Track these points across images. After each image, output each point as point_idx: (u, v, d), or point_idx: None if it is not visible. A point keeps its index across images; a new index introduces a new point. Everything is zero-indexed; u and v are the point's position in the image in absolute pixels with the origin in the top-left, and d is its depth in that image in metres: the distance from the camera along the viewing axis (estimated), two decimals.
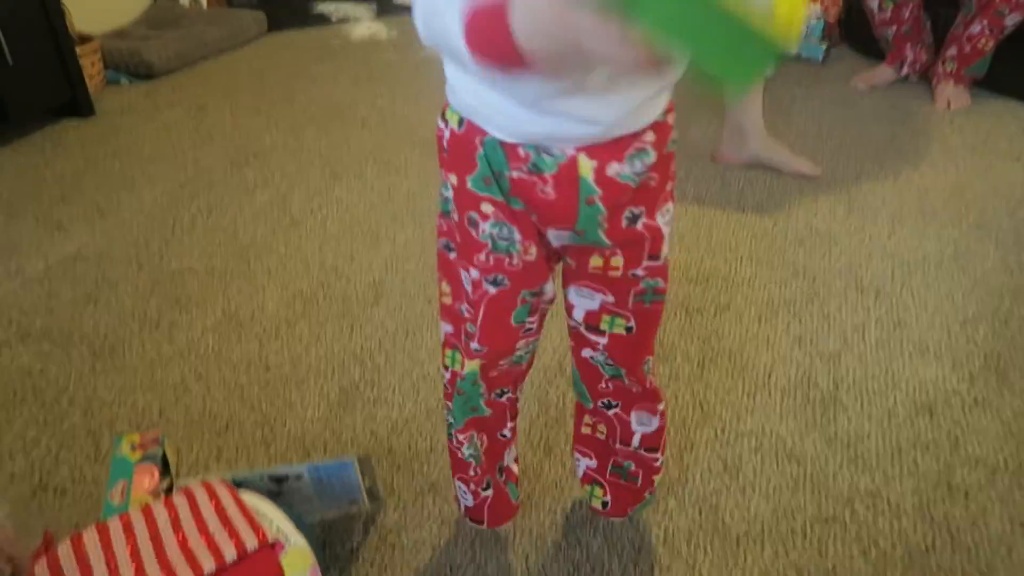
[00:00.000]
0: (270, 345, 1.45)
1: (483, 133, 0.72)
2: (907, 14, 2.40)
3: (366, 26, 3.27)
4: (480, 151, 0.73)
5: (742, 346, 1.41)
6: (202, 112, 2.47)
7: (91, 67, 2.60)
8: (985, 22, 2.21)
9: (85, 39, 2.65)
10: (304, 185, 2.01)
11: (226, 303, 1.58)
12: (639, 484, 1.00)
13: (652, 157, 0.72)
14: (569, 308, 0.87)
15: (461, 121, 0.74)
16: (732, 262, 1.64)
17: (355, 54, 2.96)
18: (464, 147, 0.74)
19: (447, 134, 0.77)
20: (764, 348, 1.40)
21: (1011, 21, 2.18)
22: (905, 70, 2.47)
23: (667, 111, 0.73)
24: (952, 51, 2.30)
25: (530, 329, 0.85)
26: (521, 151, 0.70)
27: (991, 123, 2.21)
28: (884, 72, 2.49)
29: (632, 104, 0.67)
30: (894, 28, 2.43)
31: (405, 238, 1.76)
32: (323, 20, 3.37)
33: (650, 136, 0.71)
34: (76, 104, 2.42)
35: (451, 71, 0.72)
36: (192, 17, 3.14)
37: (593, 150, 0.69)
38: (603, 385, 0.91)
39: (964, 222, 1.76)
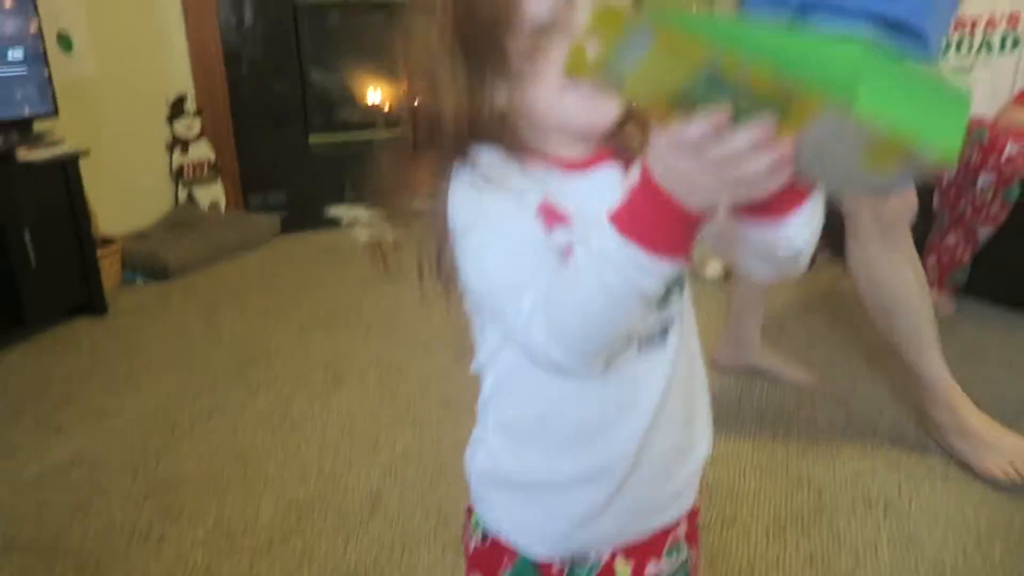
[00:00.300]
0: (261, 561, 1.40)
1: (513, 552, 0.70)
2: None
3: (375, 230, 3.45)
4: (509, 570, 0.71)
5: (752, 566, 1.36)
6: (212, 313, 2.55)
7: (109, 267, 2.71)
8: (960, 234, 2.34)
9: (108, 241, 2.79)
10: (306, 388, 2.03)
11: (219, 512, 1.54)
12: None
13: (685, 551, 0.73)
14: None
15: (485, 536, 0.72)
16: (735, 473, 1.62)
17: (363, 257, 3.09)
18: (490, 560, 0.73)
19: (472, 544, 0.75)
20: (774, 568, 1.35)
21: (984, 234, 2.31)
22: None
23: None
24: (932, 260, 2.42)
25: None
26: (555, 568, 0.69)
27: (977, 329, 2.27)
28: None
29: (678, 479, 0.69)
30: None
31: (404, 444, 1.75)
32: (334, 224, 3.56)
33: (683, 528, 0.72)
34: (91, 304, 2.51)
35: (482, 479, 0.71)
36: (210, 220, 3.33)
37: (631, 549, 0.69)
38: None
39: None
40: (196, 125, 3.45)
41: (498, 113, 0.63)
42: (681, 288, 0.68)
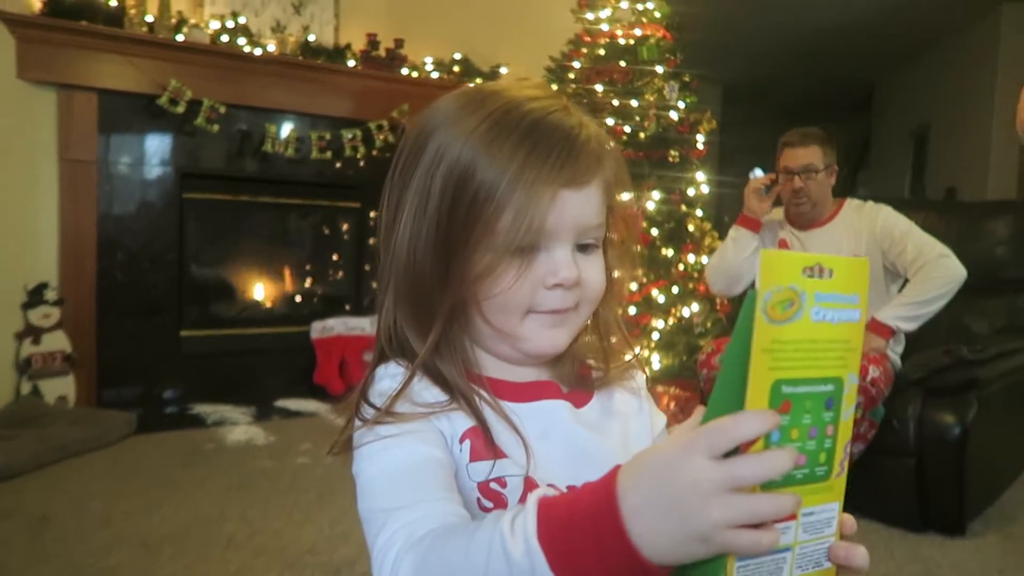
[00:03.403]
0: None
1: None
2: None
3: (243, 430, 3.21)
4: None
5: None
6: (42, 524, 2.20)
7: None
8: None
9: None
10: None
11: None
12: None
13: None
14: None
15: None
16: None
17: (228, 459, 2.84)
18: None
19: None
20: None
21: (856, 450, 2.40)
22: None
23: None
24: None
25: None
26: None
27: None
28: None
29: None
30: None
31: None
32: (198, 422, 3.30)
33: None
34: None
35: None
36: (55, 415, 3.00)
37: None
38: None
39: None
40: (54, 314, 3.21)
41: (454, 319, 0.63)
42: None
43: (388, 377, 0.63)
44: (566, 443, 0.62)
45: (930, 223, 2.85)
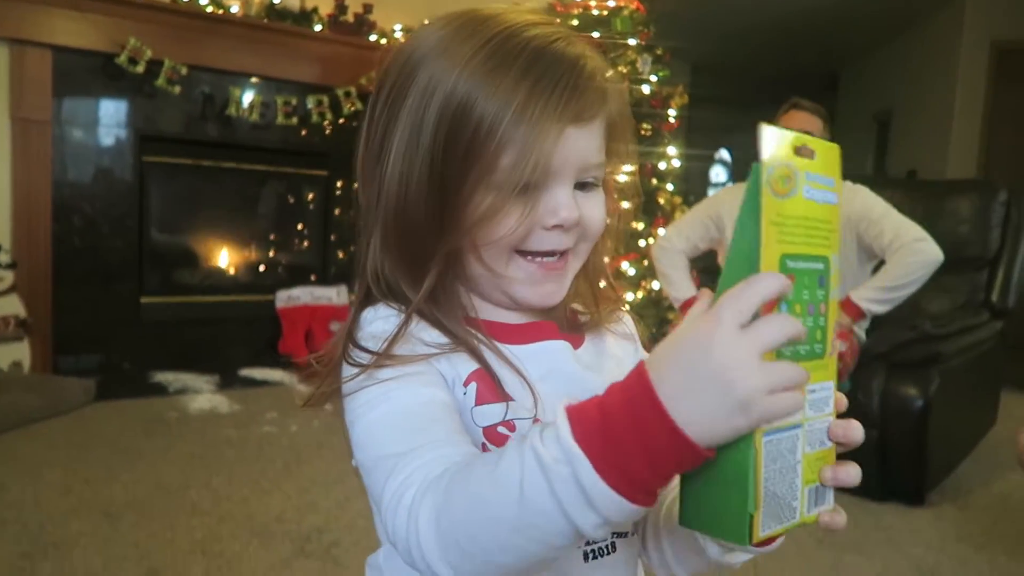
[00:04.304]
0: None
1: None
2: None
3: (206, 398, 3.15)
4: None
5: None
6: None
7: None
8: None
9: None
10: None
11: None
12: None
13: None
14: None
15: None
16: None
17: (191, 428, 2.78)
18: None
19: None
20: None
21: None
22: None
23: None
24: None
25: None
26: None
27: None
28: None
29: None
30: None
31: None
32: (160, 390, 3.22)
33: None
34: None
35: None
36: (9, 382, 2.90)
37: None
38: None
39: None
40: (7, 278, 3.09)
41: (452, 254, 0.59)
42: None
43: (380, 319, 0.59)
44: (567, 384, 0.60)
45: (895, 202, 2.88)
